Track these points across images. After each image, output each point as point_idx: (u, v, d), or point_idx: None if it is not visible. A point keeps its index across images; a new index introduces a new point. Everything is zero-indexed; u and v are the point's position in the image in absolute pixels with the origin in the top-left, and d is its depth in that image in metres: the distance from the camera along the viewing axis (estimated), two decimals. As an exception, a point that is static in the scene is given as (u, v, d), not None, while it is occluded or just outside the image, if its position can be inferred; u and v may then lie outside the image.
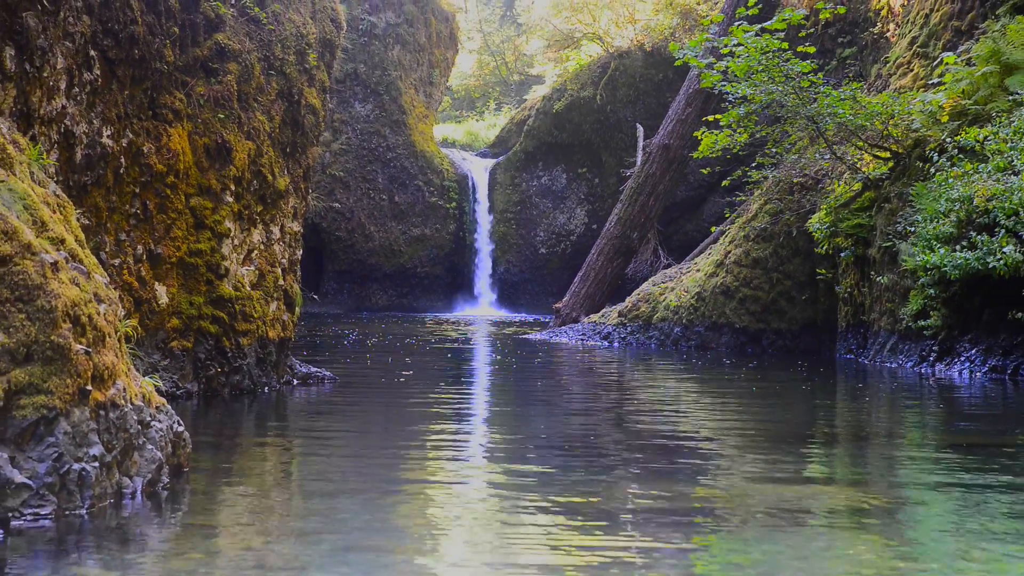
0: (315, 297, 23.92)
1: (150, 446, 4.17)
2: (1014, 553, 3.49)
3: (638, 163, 19.41)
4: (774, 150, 15.59)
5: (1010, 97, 11.05)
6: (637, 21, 26.11)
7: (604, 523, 3.89)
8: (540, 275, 25.98)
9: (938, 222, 10.37)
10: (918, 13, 15.60)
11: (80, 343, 3.80)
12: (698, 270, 15.46)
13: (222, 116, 7.63)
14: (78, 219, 4.60)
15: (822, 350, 13.66)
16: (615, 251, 17.90)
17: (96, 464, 3.77)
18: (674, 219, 23.61)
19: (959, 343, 10.68)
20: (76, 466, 3.69)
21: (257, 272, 8.04)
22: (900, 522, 4.09)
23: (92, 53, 6.30)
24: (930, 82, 13.39)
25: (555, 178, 26.25)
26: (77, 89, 6.17)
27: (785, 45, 12.31)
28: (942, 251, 10.08)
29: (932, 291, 10.64)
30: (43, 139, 5.74)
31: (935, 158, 11.29)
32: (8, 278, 3.68)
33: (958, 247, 9.98)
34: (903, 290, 11.50)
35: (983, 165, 10.35)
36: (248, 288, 7.88)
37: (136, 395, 4.19)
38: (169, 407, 4.49)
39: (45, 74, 5.61)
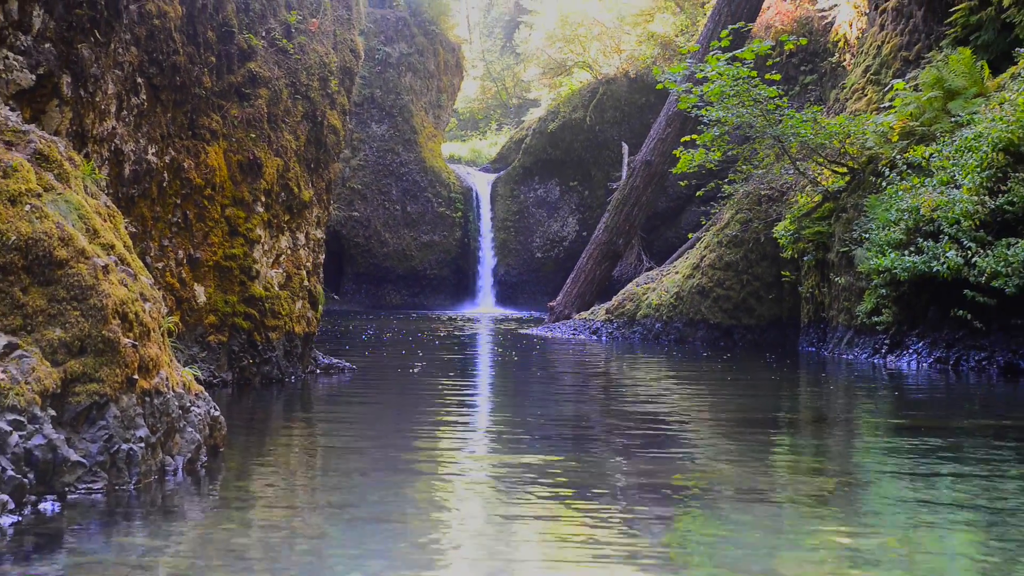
0: (336, 296, 23.93)
1: (190, 429, 4.18)
2: (958, 521, 3.51)
3: (623, 177, 19.43)
4: (744, 166, 15.61)
5: (952, 119, 11.08)
6: (622, 51, 26.13)
7: (591, 497, 3.90)
8: (536, 277, 25.97)
9: (889, 230, 10.39)
10: (871, 45, 15.63)
11: (128, 337, 3.81)
12: (677, 272, 15.47)
13: (254, 136, 7.64)
14: (126, 227, 4.61)
15: (786, 343, 13.68)
16: (603, 255, 17.91)
17: (142, 445, 3.78)
18: (655, 227, 23.62)
19: (907, 337, 10.69)
20: (124, 446, 3.70)
21: (285, 274, 8.05)
22: (856, 496, 4.10)
23: (139, 80, 6.31)
24: (882, 106, 13.42)
25: (550, 190, 26.25)
26: (126, 112, 6.18)
27: (754, 73, 12.33)
28: (893, 255, 10.10)
29: (884, 291, 10.66)
30: (95, 156, 5.76)
31: (886, 173, 11.31)
32: (65, 279, 3.69)
33: (907, 252, 10.00)
34: (858, 290, 11.52)
35: (929, 179, 10.37)
36: (277, 288, 7.89)
37: (177, 383, 4.20)
38: (206, 394, 4.50)
39: (97, 99, 5.62)
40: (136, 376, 3.82)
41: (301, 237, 8.35)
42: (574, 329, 15.91)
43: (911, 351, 10.51)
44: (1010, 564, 2.95)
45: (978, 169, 9.58)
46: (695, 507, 3.80)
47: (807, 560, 2.99)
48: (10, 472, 3.22)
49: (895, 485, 4.28)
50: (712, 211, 17.50)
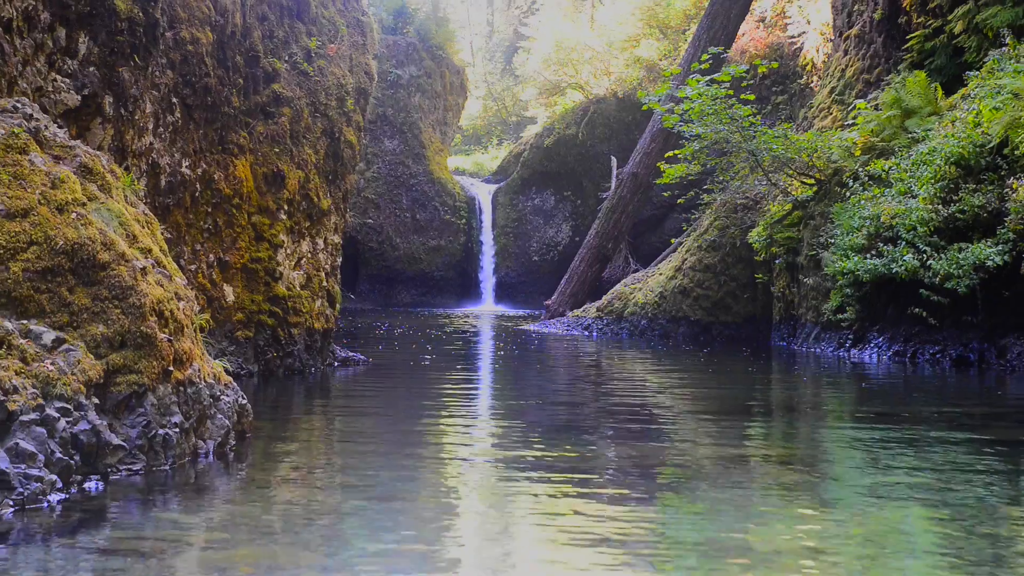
0: (352, 296, 23.90)
1: (220, 416, 4.19)
2: (912, 495, 3.52)
3: (612, 188, 19.41)
4: (721, 177, 15.61)
5: (909, 135, 11.08)
6: (611, 74, 26.13)
7: (583, 476, 3.90)
8: (533, 278, 25.93)
9: (852, 235, 10.39)
10: (836, 68, 15.64)
11: (164, 333, 3.82)
12: (660, 274, 15.46)
13: (277, 150, 7.64)
14: (162, 233, 4.61)
15: (760, 338, 13.68)
16: (594, 258, 17.91)
17: (177, 430, 3.79)
18: (641, 233, 23.59)
19: (869, 332, 10.70)
20: (161, 431, 3.70)
21: (305, 276, 8.05)
22: (821, 472, 4.11)
23: (174, 100, 6.31)
24: (845, 123, 13.43)
25: (545, 200, 26.23)
26: (162, 129, 6.18)
27: (730, 93, 12.34)
28: (856, 259, 10.10)
29: (848, 291, 10.66)
30: (135, 169, 5.76)
31: (850, 184, 11.32)
32: (107, 280, 3.69)
33: (868, 256, 10.01)
34: (825, 290, 11.52)
35: (888, 190, 10.37)
36: (298, 288, 7.89)
37: (208, 374, 4.21)
38: (235, 384, 4.51)
39: (136, 117, 5.63)
40: (171, 368, 3.82)
41: (320, 242, 8.35)
42: (568, 326, 15.91)
43: (872, 345, 10.52)
44: (962, 539, 2.96)
45: (932, 181, 9.59)
46: (678, 486, 3.80)
47: (777, 534, 3.00)
48: (58, 454, 3.23)
49: (857, 468, 4.29)
50: (692, 218, 17.51)
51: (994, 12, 11.57)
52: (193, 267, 6.77)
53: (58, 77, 4.79)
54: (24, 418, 3.17)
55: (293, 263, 7.86)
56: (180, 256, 6.57)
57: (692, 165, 14.20)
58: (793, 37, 20.39)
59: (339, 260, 8.83)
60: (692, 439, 5.05)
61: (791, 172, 12.98)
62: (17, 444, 3.11)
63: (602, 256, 18.02)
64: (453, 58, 28.13)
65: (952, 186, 9.47)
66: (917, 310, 9.56)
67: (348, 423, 5.68)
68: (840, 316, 10.93)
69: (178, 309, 4.01)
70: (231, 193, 7.13)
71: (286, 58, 7.88)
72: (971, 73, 10.94)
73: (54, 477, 3.16)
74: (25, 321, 3.51)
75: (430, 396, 7.07)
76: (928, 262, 9.21)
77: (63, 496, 3.15)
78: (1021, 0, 11.23)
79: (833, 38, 16.75)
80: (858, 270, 10.02)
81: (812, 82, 19.16)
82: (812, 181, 12.74)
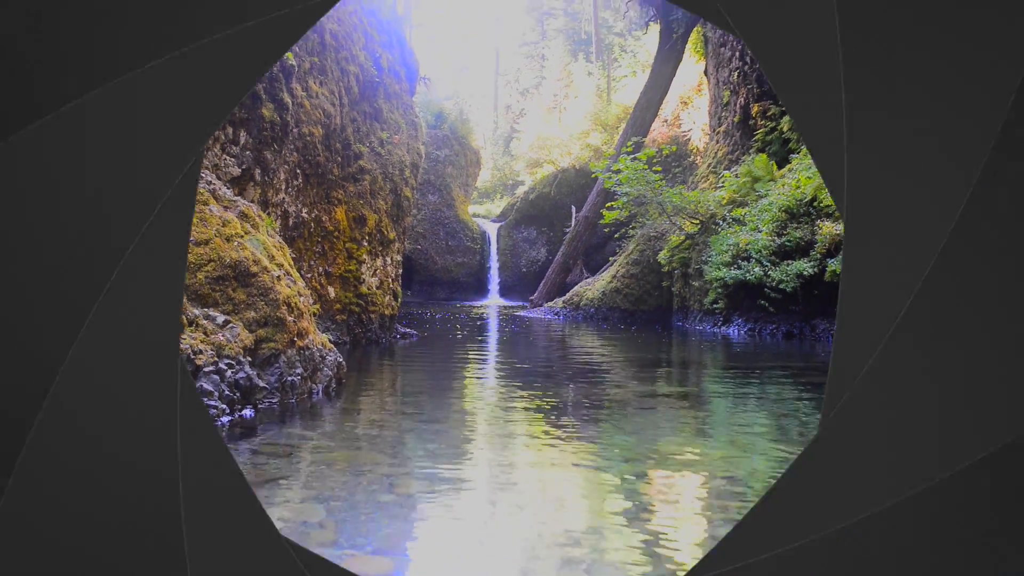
0: (408, 293, 23.84)
1: (325, 369, 4.21)
2: (758, 412, 3.56)
3: (572, 225, 19.42)
4: (641, 220, 15.64)
5: (756, 193, 11.14)
6: (571, 154, 26.18)
7: (554, 405, 3.94)
8: (523, 282, 25.88)
9: (722, 255, 10.44)
10: (711, 151, 15.69)
11: (291, 317, 3.84)
12: (603, 280, 15.48)
13: (362, 202, 7.64)
14: (290, 255, 4.63)
15: (665, 321, 13.69)
16: (561, 269, 17.90)
17: (299, 377, 3.81)
18: (591, 253, 23.55)
19: (732, 316, 10.75)
20: (289, 378, 3.72)
21: (379, 280, 8.06)
22: (702, 401, 4.14)
23: (298, 171, 6.32)
24: (717, 186, 13.48)
25: (530, 233, 26.19)
26: (290, 189, 6.20)
27: (646, 166, 12.38)
28: (724, 270, 10.15)
29: (719, 290, 10.71)
30: (272, 214, 5.77)
31: (720, 223, 11.36)
32: (256, 284, 3.71)
33: (732, 268, 10.06)
34: (705, 289, 11.57)
35: (743, 227, 10.43)
36: (374, 289, 7.90)
37: (318, 343, 4.23)
38: (335, 349, 4.52)
39: (275, 182, 5.64)
40: (296, 339, 3.84)
41: (388, 259, 8.36)
42: (544, 312, 15.90)
43: (734, 324, 10.56)
44: (786, 432, 3.00)
45: (770, 221, 9.65)
46: (612, 412, 3.84)
47: (674, 440, 3.04)
48: (226, 392, 3.25)
49: (725, 398, 4.33)
50: (623, 245, 17.52)
51: (810, 116, 11.60)
52: (309, 276, 6.78)
53: (227, 157, 4.81)
54: (206, 369, 3.19)
55: (371, 273, 7.88)
56: (300, 269, 6.58)
57: (622, 211, 14.25)
58: (685, 131, 20.45)
59: (400, 270, 8.84)
60: (621, 382, 5.09)
61: (684, 216, 13.02)
62: (202, 385, 3.14)
63: (566, 268, 18.02)
64: (472, 143, 28.10)
65: (783, 225, 9.53)
66: (762, 302, 9.62)
67: (407, 374, 5.70)
68: (714, 306, 10.98)
69: (300, 302, 4.04)
70: (332, 229, 7.14)
71: (367, 144, 7.90)
72: (794, 155, 11.00)
73: (224, 406, 3.18)
74: (206, 309, 3.53)
75: (460, 357, 7.08)
76: (768, 272, 9.27)
77: (229, 418, 3.18)
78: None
79: (710, 133, 16.82)
80: (726, 277, 10.07)
81: (697, 160, 19.22)
82: (697, 221, 12.79)
